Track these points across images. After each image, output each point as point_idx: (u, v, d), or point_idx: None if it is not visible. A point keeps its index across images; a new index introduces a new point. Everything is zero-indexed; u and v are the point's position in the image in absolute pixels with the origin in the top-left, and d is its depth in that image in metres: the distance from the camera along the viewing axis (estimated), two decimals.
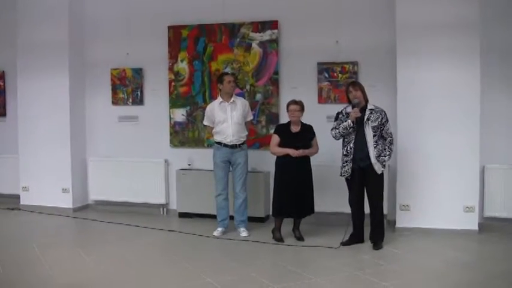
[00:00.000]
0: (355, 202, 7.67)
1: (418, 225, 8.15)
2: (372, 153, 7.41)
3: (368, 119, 7.45)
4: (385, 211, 8.14)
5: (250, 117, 8.60)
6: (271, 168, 8.52)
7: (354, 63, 8.84)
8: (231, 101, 8.31)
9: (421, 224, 8.18)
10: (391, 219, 8.57)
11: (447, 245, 7.66)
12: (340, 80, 8.89)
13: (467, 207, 8.16)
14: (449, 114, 8.14)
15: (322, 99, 9.00)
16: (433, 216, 8.23)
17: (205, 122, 8.59)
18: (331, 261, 7.08)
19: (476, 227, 8.17)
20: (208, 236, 8.28)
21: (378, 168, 7.44)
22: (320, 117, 8.47)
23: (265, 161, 8.92)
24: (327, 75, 8.96)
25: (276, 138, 8.00)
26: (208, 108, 8.52)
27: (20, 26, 10.11)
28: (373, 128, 7.42)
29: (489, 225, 8.34)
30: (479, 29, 8.05)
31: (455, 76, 8.11)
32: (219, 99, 8.39)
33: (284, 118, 8.82)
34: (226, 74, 8.58)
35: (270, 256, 7.39)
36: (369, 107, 7.53)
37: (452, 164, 8.15)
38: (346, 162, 7.58)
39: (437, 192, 8.21)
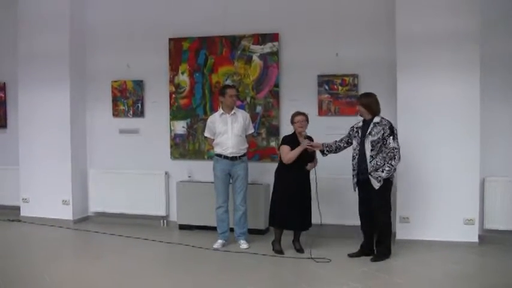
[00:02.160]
0: (361, 214, 7.73)
1: (418, 238, 8.14)
2: (368, 167, 7.44)
3: (370, 133, 7.46)
4: None
5: (251, 131, 8.60)
6: (271, 181, 8.54)
7: (354, 76, 8.86)
8: (232, 113, 8.32)
9: (421, 236, 8.17)
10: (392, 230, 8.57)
11: (447, 257, 7.66)
12: (340, 92, 8.91)
13: (467, 219, 8.16)
14: (449, 127, 8.15)
15: (322, 111, 9.02)
16: (433, 229, 8.23)
17: (206, 134, 8.58)
18: (330, 273, 7.08)
19: (476, 239, 8.17)
20: (208, 248, 8.27)
21: (373, 183, 7.42)
22: (320, 130, 8.46)
23: (265, 173, 8.93)
24: (327, 87, 8.98)
25: (286, 148, 7.92)
26: (210, 119, 8.53)
27: (21, 38, 10.16)
28: (371, 142, 7.42)
29: (489, 238, 8.33)
30: (479, 41, 8.08)
31: (455, 88, 8.13)
32: (220, 111, 8.39)
33: (284, 130, 8.85)
34: (229, 87, 8.52)
35: (269, 268, 7.39)
36: (375, 120, 7.51)
37: (452, 176, 8.16)
38: (353, 176, 7.68)
39: (437, 204, 8.22)
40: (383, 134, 7.40)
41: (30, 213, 10.28)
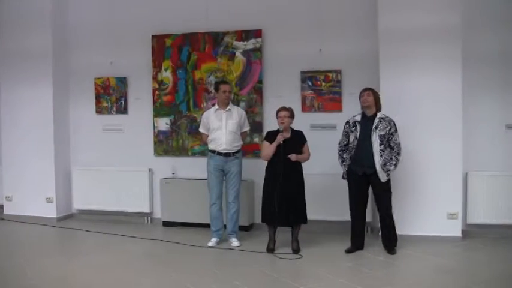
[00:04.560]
0: (355, 208, 7.77)
1: (402, 232, 8.14)
2: (378, 161, 7.49)
3: (376, 127, 7.51)
4: (369, 218, 8.19)
5: (246, 128, 8.52)
6: (255, 177, 8.60)
7: (337, 72, 8.89)
8: (227, 109, 8.26)
9: (404, 231, 8.18)
10: (374, 226, 8.59)
11: (431, 252, 7.69)
12: (323, 88, 8.93)
13: (450, 214, 8.21)
14: (432, 121, 8.19)
15: (305, 107, 9.03)
16: (416, 223, 8.27)
17: (200, 129, 8.52)
18: (316, 269, 7.08)
19: (459, 234, 8.22)
20: (192, 245, 8.25)
21: (381, 176, 7.51)
22: (304, 126, 8.45)
23: (249, 169, 8.88)
24: (310, 83, 9.00)
25: (265, 144, 7.90)
26: (204, 115, 8.46)
27: (3, 36, 10.10)
28: (380, 136, 7.49)
29: (472, 232, 8.41)
30: (461, 36, 8.12)
31: (437, 83, 8.17)
32: (216, 106, 8.35)
33: (268, 126, 8.87)
34: (223, 83, 8.44)
35: (257, 265, 7.32)
36: (379, 115, 7.60)
37: (436, 171, 8.20)
38: (344, 165, 7.81)
39: (420, 199, 8.26)
40: (389, 129, 7.53)
41: (13, 211, 10.22)
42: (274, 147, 7.74)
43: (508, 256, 7.55)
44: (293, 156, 7.71)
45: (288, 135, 7.82)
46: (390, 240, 7.73)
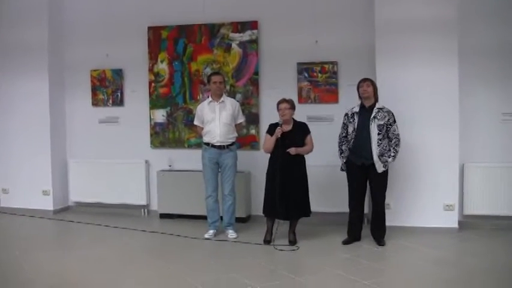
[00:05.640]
0: (353, 199, 7.78)
1: (399, 224, 8.18)
2: (375, 151, 7.48)
3: (375, 117, 7.51)
4: (366, 210, 8.20)
5: (241, 119, 8.46)
6: (253, 169, 8.56)
7: (334, 63, 8.87)
8: (221, 100, 8.21)
9: (401, 223, 8.21)
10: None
11: (428, 243, 7.70)
12: (319, 80, 8.92)
13: (447, 205, 8.22)
14: (429, 113, 8.19)
15: (302, 99, 9.01)
16: (413, 215, 8.28)
17: (195, 122, 8.47)
18: (313, 260, 7.11)
19: (456, 225, 8.23)
20: (189, 237, 8.25)
21: (378, 166, 7.49)
22: (300, 117, 8.43)
23: (246, 161, 8.90)
24: (306, 75, 8.98)
25: (266, 137, 7.87)
26: (198, 107, 8.42)
27: None
28: (378, 126, 7.49)
29: (469, 223, 8.40)
30: (458, 28, 8.11)
31: (434, 75, 8.16)
32: (209, 98, 8.31)
33: (264, 118, 8.88)
34: (214, 74, 8.41)
35: (253, 257, 7.33)
36: (377, 106, 7.60)
37: (432, 162, 8.21)
38: (342, 157, 7.82)
39: (417, 190, 8.27)
40: (388, 119, 7.53)
41: (10, 204, 10.21)
42: (274, 141, 7.71)
43: (504, 247, 7.57)
44: (292, 150, 7.67)
45: (287, 128, 7.80)
46: (380, 232, 7.75)
